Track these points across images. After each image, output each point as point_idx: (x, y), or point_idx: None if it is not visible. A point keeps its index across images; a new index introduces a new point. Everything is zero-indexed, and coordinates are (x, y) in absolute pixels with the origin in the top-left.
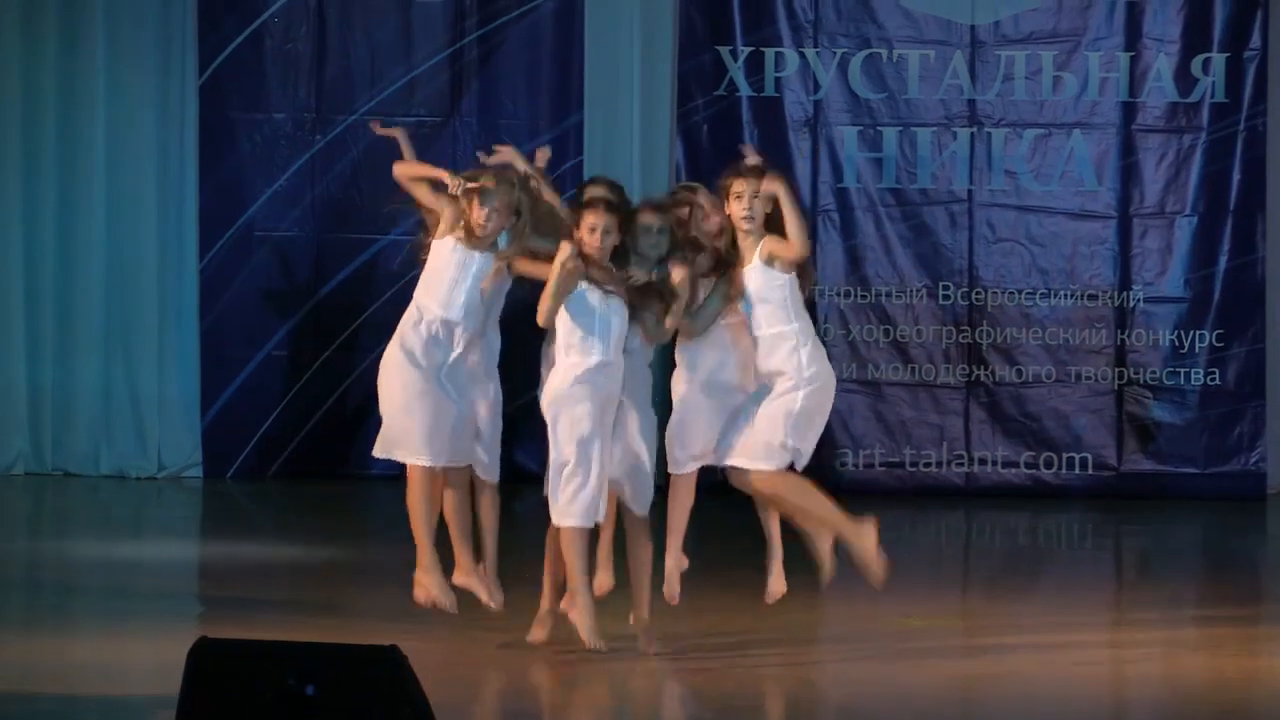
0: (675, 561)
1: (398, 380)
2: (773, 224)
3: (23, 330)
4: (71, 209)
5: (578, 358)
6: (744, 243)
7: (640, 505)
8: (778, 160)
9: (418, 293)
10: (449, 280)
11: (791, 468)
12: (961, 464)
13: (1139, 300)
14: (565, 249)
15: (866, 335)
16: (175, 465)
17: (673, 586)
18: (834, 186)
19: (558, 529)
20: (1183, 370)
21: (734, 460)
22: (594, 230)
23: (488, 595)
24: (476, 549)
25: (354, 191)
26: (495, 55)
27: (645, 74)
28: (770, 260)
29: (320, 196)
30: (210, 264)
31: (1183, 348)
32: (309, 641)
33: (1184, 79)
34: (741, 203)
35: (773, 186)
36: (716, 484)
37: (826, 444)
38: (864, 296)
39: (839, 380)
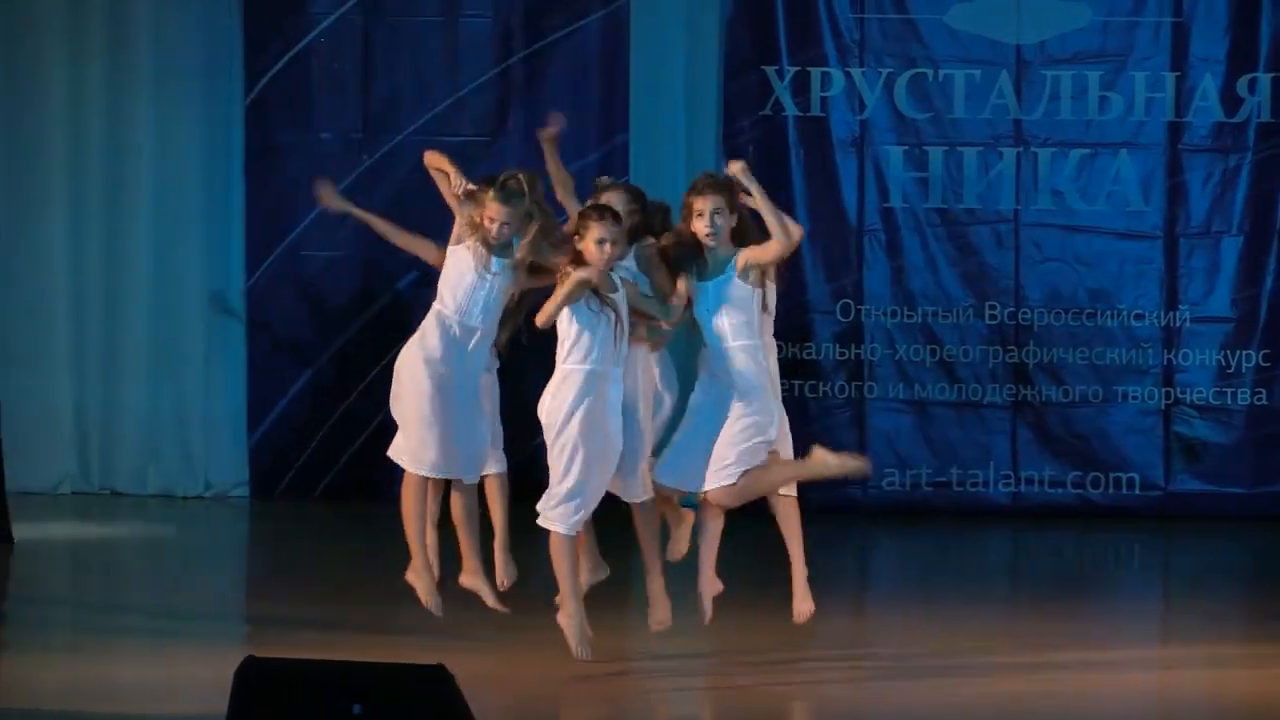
0: (709, 585)
1: (418, 390)
2: (739, 237)
3: (69, 351)
4: (118, 229)
5: (573, 366)
6: (710, 257)
7: (630, 494)
8: (824, 180)
9: (437, 302)
10: (468, 286)
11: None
12: (1008, 484)
13: (1185, 320)
14: (580, 273)
15: (913, 355)
16: (222, 485)
17: (705, 607)
18: (880, 206)
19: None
20: (1229, 390)
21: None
22: (601, 243)
23: (493, 599)
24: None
25: (401, 211)
26: (542, 75)
27: (691, 94)
28: (746, 272)
29: None
30: (257, 284)
31: (1229, 367)
32: (356, 661)
33: (1230, 99)
34: (703, 220)
35: (737, 174)
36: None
37: (872, 464)
38: (910, 316)
39: (887, 400)
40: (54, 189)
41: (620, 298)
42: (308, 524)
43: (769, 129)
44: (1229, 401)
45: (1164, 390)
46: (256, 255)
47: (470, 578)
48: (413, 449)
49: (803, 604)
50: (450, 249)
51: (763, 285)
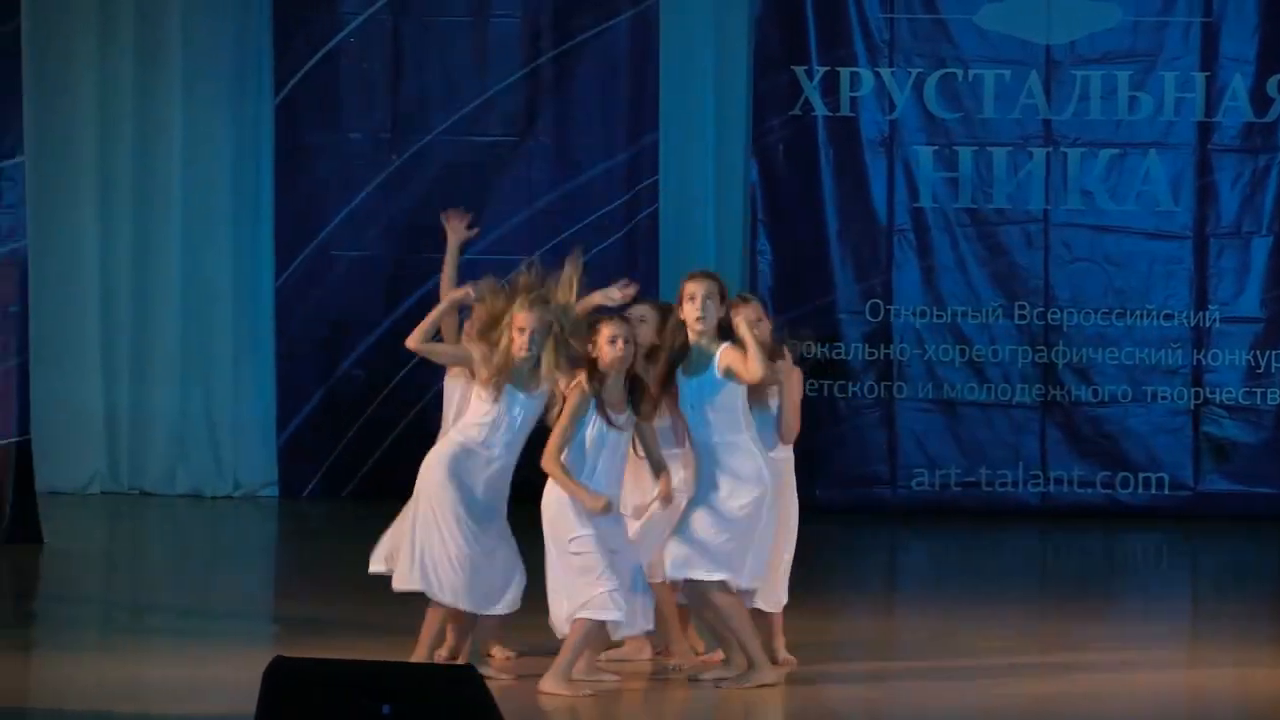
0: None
1: (453, 531)
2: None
3: (99, 351)
4: (148, 230)
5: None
6: (697, 344)
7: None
8: (853, 180)
9: (465, 427)
10: (492, 423)
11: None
12: (1037, 484)
13: (1215, 320)
14: (576, 393)
15: (942, 355)
16: (251, 485)
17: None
18: (910, 206)
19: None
20: (1259, 390)
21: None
22: (613, 341)
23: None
24: None
25: (430, 211)
26: (570, 75)
27: (720, 94)
28: (727, 372)
29: (396, 216)
30: (286, 284)
31: (1259, 367)
32: (385, 661)
33: (1260, 99)
34: (694, 304)
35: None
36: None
37: (901, 464)
38: (940, 316)
39: (916, 400)
40: (84, 190)
41: (627, 420)
42: (336, 524)
43: (798, 129)
44: (1258, 401)
45: (1193, 390)
46: (285, 255)
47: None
48: (449, 588)
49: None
50: (476, 390)
51: (745, 382)
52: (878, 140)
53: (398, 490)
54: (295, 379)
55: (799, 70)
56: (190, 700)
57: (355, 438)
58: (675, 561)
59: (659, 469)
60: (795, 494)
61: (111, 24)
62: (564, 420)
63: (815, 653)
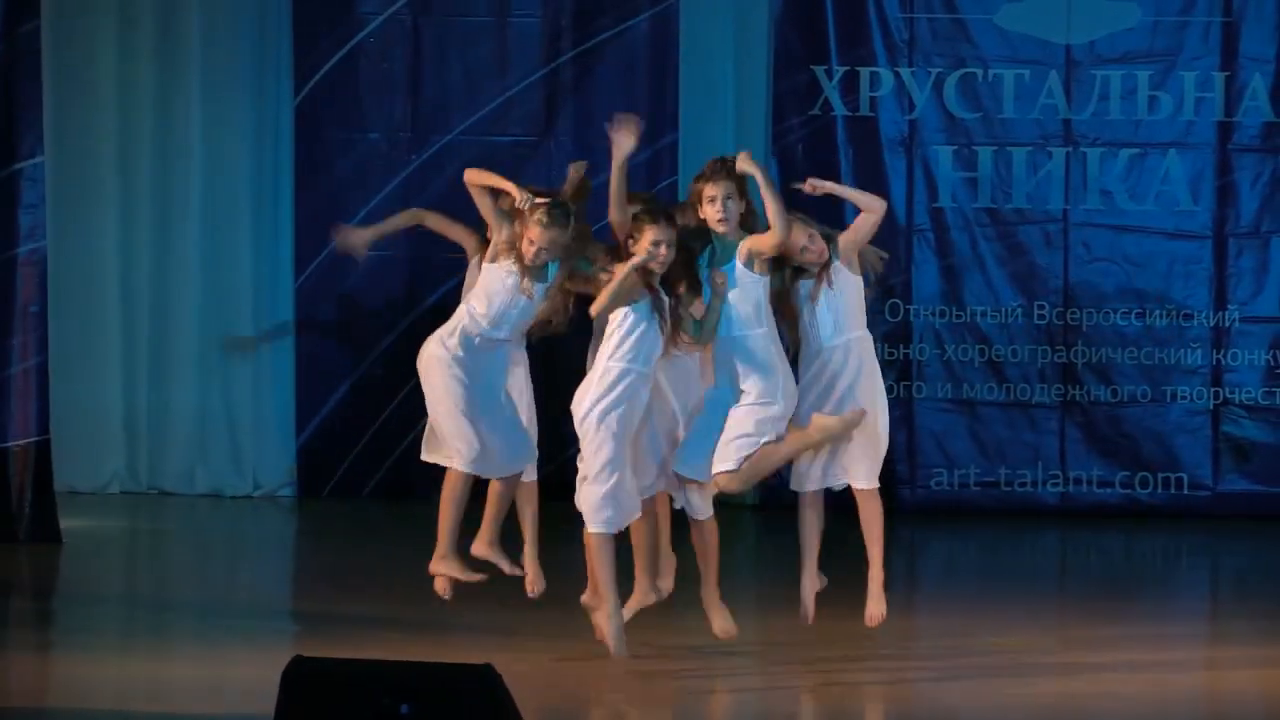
0: (811, 581)
1: (449, 387)
2: (747, 225)
3: (119, 350)
4: (167, 228)
5: (615, 363)
6: (718, 244)
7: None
8: (873, 179)
9: (470, 305)
10: (500, 304)
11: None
12: (1057, 484)
13: (1234, 320)
14: (635, 259)
15: (962, 355)
16: (270, 484)
17: (807, 607)
18: (929, 206)
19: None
20: (1279, 390)
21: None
22: (657, 245)
23: (509, 566)
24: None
25: (449, 211)
26: (590, 75)
27: (740, 93)
28: (750, 261)
29: None
30: (306, 283)
31: (1279, 367)
32: (404, 660)
33: None
34: (715, 205)
35: (745, 167)
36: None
37: (921, 464)
38: (959, 316)
39: (935, 400)
40: (105, 190)
41: (665, 303)
42: (355, 523)
43: (818, 128)
44: (1278, 401)
45: (1213, 390)
46: (305, 255)
47: (485, 548)
48: (458, 449)
49: (875, 607)
50: (487, 265)
51: (769, 272)
52: (897, 140)
53: (417, 489)
54: (314, 379)
55: (818, 70)
56: (209, 700)
57: (375, 437)
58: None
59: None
60: (878, 374)
61: (131, 24)
62: (613, 287)
63: (831, 650)
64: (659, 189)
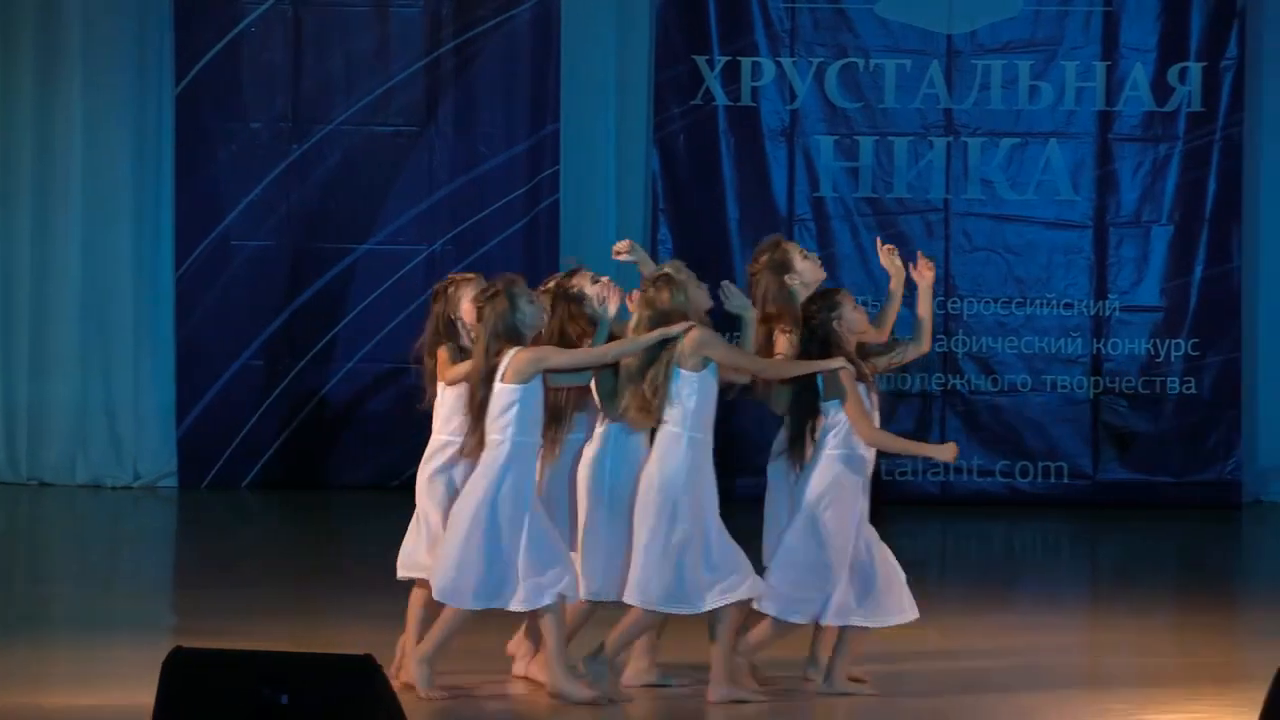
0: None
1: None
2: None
3: None
4: (47, 220)
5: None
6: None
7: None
8: (754, 169)
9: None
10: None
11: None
12: (937, 473)
13: (1115, 309)
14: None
15: None
16: (151, 475)
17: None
18: (810, 196)
19: None
20: (1158, 379)
21: None
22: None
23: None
24: None
25: (330, 201)
26: (472, 65)
27: (622, 83)
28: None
29: (296, 206)
30: (186, 274)
31: (1158, 357)
32: (284, 651)
33: (1160, 88)
34: None
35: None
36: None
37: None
38: None
39: None
40: None
41: None
42: (236, 513)
43: (699, 118)
44: (1158, 391)
45: (1093, 379)
46: (186, 245)
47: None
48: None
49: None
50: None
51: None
52: (778, 130)
53: (297, 479)
54: (195, 369)
55: (700, 60)
56: (89, 690)
57: (255, 427)
58: None
59: None
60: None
61: (11, 16)
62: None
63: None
64: (540, 179)
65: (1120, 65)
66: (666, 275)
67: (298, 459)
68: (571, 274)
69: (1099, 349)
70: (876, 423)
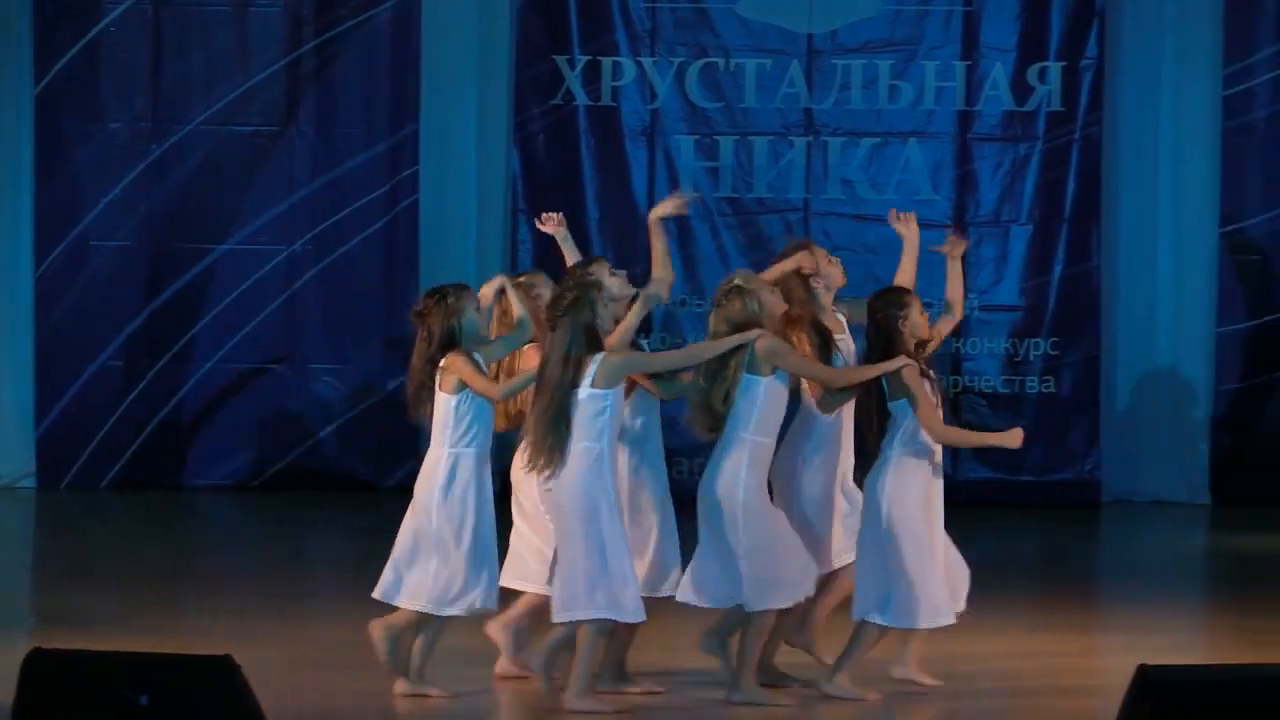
0: None
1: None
2: None
3: None
4: None
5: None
6: None
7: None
8: (614, 169)
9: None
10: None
11: None
12: None
13: (974, 309)
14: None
15: None
16: (9, 475)
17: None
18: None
19: None
20: (1018, 378)
21: None
22: None
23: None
24: None
25: (190, 201)
26: (332, 65)
27: (482, 83)
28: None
29: (156, 206)
30: (45, 274)
31: (1018, 356)
32: (143, 651)
33: (1020, 88)
34: None
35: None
36: None
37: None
38: (699, 305)
39: None
40: None
41: None
42: (96, 514)
43: (560, 118)
44: (1017, 390)
45: (952, 379)
46: (45, 246)
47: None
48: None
49: None
50: None
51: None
52: (639, 129)
53: (157, 480)
54: (54, 370)
55: (561, 60)
56: None
57: (114, 428)
58: None
59: None
60: None
61: None
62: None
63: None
64: (401, 178)
65: (980, 65)
66: (737, 286)
67: (157, 459)
68: (589, 263)
69: (958, 348)
70: (943, 418)
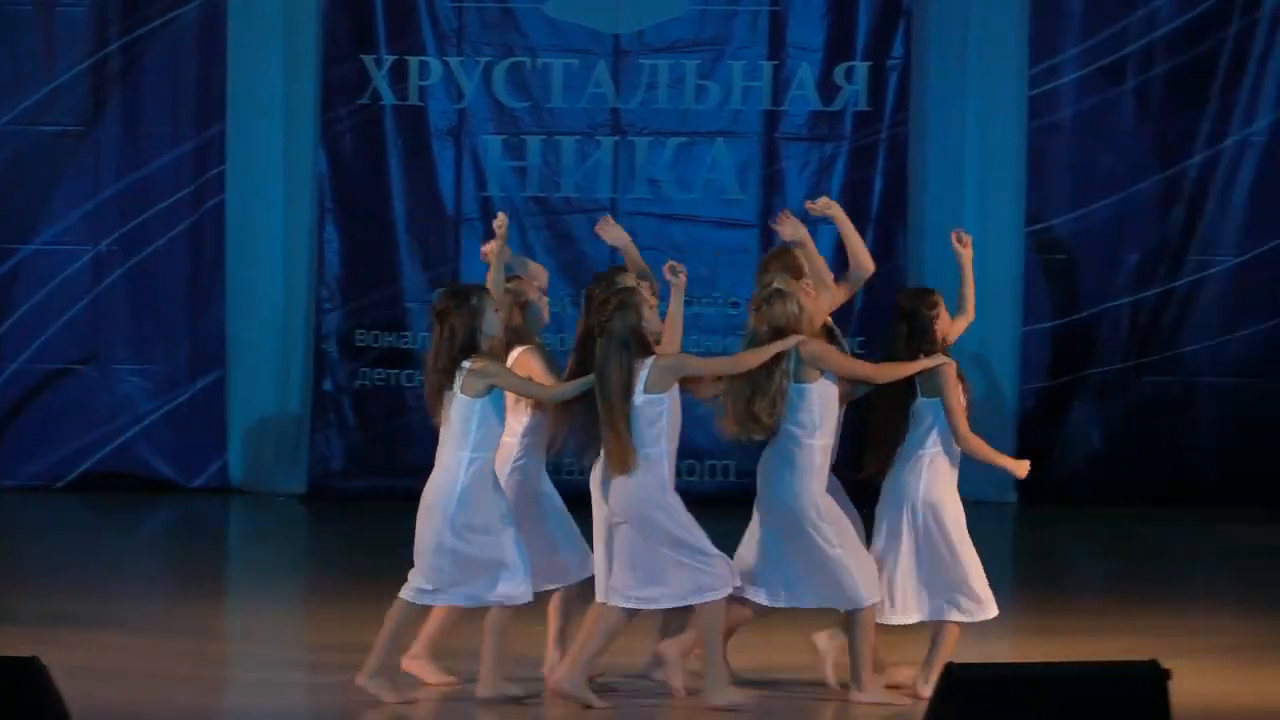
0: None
1: None
2: None
3: None
4: None
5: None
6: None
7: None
8: (421, 169)
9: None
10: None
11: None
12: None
13: None
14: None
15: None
16: None
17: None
18: (478, 195)
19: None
20: None
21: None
22: None
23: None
24: None
25: None
26: (138, 65)
27: (289, 82)
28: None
29: None
30: None
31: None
32: None
33: (827, 88)
34: None
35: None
36: None
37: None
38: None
39: None
40: None
41: None
42: None
43: (367, 117)
44: None
45: None
46: None
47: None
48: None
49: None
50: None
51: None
52: (446, 129)
53: None
54: None
55: (367, 59)
56: None
57: None
58: None
59: None
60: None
61: None
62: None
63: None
64: (207, 178)
65: (787, 64)
66: (778, 290)
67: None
68: (613, 273)
69: None
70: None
